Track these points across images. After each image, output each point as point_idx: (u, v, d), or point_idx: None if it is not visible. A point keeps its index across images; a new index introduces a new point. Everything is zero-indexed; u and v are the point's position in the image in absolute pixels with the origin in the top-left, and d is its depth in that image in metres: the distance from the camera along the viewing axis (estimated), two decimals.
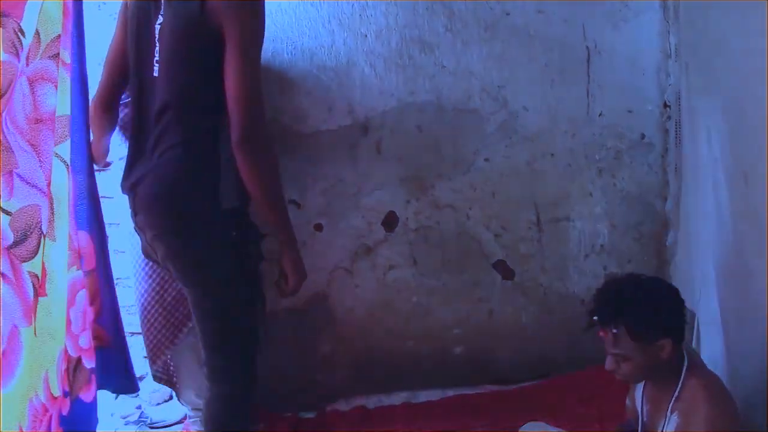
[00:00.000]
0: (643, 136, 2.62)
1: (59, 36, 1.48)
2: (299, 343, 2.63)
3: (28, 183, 1.40)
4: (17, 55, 1.35)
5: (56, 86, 1.47)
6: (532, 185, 2.62)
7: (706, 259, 2.17)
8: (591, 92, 2.58)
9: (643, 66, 2.56)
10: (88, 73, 1.99)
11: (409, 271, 2.64)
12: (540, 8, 2.51)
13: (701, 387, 1.69)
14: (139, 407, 2.67)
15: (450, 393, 2.60)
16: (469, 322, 2.68)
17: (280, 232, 1.91)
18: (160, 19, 1.83)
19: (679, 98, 2.47)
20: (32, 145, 1.42)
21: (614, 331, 1.70)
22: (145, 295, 2.22)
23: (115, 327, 2.20)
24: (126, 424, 2.60)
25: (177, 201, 1.84)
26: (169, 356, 2.28)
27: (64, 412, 1.73)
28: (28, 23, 1.37)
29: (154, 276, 2.20)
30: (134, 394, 2.65)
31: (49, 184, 1.47)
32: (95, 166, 2.08)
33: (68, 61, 1.58)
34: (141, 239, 1.97)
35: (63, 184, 1.58)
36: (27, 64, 1.39)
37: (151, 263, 2.16)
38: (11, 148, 1.36)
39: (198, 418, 2.26)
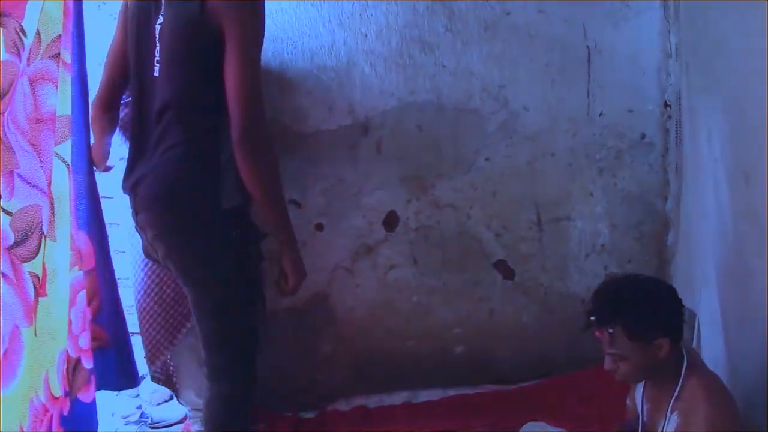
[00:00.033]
0: (643, 136, 2.62)
1: (60, 36, 1.48)
2: (299, 343, 2.63)
3: (28, 183, 1.40)
4: (19, 55, 1.35)
5: (57, 86, 1.48)
6: (533, 185, 2.62)
7: (706, 259, 2.17)
8: (591, 92, 2.57)
9: (644, 65, 2.56)
10: (88, 73, 2.00)
11: (409, 270, 2.64)
12: (540, 8, 2.51)
13: (701, 386, 1.69)
14: (139, 407, 2.67)
15: (450, 393, 2.60)
16: (470, 321, 2.68)
17: (280, 232, 1.91)
18: (161, 19, 1.83)
19: (680, 98, 2.47)
20: (33, 145, 1.42)
21: (610, 330, 1.70)
22: (144, 296, 2.22)
23: (116, 326, 2.20)
24: (126, 424, 2.60)
25: (177, 200, 1.85)
26: (168, 357, 2.29)
27: (65, 413, 1.73)
28: (30, 23, 1.37)
29: (152, 276, 2.20)
30: (135, 394, 2.66)
31: (49, 185, 1.47)
32: (95, 169, 2.09)
33: (69, 61, 1.58)
34: (142, 239, 1.98)
35: (64, 184, 1.58)
36: (28, 64, 1.39)
37: (149, 264, 2.16)
38: (12, 148, 1.36)
39: (198, 418, 2.27)
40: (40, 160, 1.43)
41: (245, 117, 1.76)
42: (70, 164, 1.62)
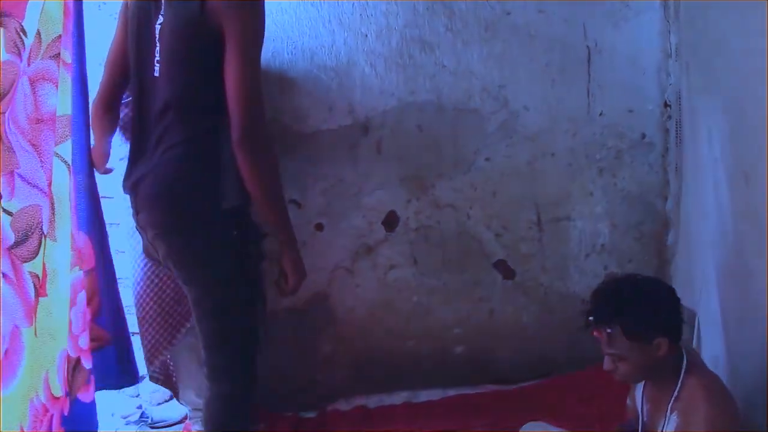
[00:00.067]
0: (643, 136, 2.62)
1: (60, 36, 1.48)
2: (299, 343, 2.63)
3: (29, 183, 1.40)
4: (19, 55, 1.35)
5: (57, 86, 1.48)
6: (533, 185, 2.62)
7: (706, 259, 2.17)
8: (591, 92, 2.58)
9: (644, 65, 2.56)
10: (88, 73, 2.00)
11: (409, 270, 2.64)
12: (540, 8, 2.51)
13: (701, 386, 1.69)
14: (139, 407, 2.67)
15: (450, 393, 2.60)
16: (470, 321, 2.68)
17: (280, 232, 1.91)
18: (161, 19, 1.84)
19: (680, 98, 2.47)
20: (33, 145, 1.42)
21: (609, 330, 1.70)
22: (143, 296, 2.22)
23: (116, 326, 2.20)
24: (127, 424, 2.60)
25: (178, 200, 1.85)
26: (167, 357, 2.28)
27: (65, 413, 1.73)
28: (30, 23, 1.37)
29: (151, 277, 2.20)
30: (135, 394, 2.66)
31: (50, 185, 1.47)
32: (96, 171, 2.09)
33: (69, 61, 1.58)
34: (142, 238, 1.98)
35: (64, 184, 1.58)
36: (29, 64, 1.39)
37: (148, 264, 2.16)
38: (12, 148, 1.36)
39: (198, 418, 2.27)
40: (41, 160, 1.43)
41: (245, 117, 1.76)
42: (70, 164, 1.62)
